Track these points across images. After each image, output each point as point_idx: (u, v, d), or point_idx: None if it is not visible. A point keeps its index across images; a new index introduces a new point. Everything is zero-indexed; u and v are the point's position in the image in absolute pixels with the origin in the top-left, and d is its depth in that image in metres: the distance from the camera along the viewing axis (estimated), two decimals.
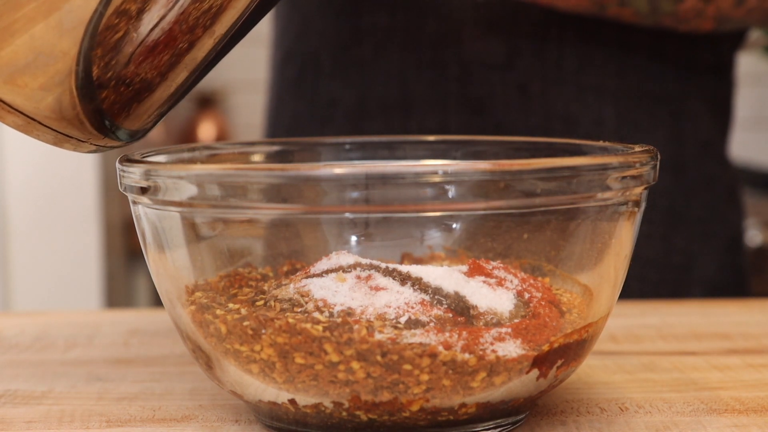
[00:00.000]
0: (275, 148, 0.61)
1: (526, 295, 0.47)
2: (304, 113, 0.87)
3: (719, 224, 0.86)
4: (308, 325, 0.44)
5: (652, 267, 0.83)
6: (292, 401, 0.46)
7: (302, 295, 0.46)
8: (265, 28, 2.47)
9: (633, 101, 0.82)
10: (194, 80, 0.47)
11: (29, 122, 0.44)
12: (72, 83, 0.43)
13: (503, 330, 0.45)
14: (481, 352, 0.44)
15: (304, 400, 0.46)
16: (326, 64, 0.85)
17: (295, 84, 0.87)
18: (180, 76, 0.46)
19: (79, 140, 0.46)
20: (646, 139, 0.80)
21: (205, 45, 0.45)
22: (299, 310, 0.46)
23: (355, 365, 0.44)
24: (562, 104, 0.81)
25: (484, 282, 0.47)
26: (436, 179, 0.42)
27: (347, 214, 0.45)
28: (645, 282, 0.83)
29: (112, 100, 0.45)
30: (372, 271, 0.47)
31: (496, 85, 0.81)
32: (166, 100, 0.47)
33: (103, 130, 0.46)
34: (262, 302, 0.47)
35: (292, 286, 0.47)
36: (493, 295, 0.47)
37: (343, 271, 0.48)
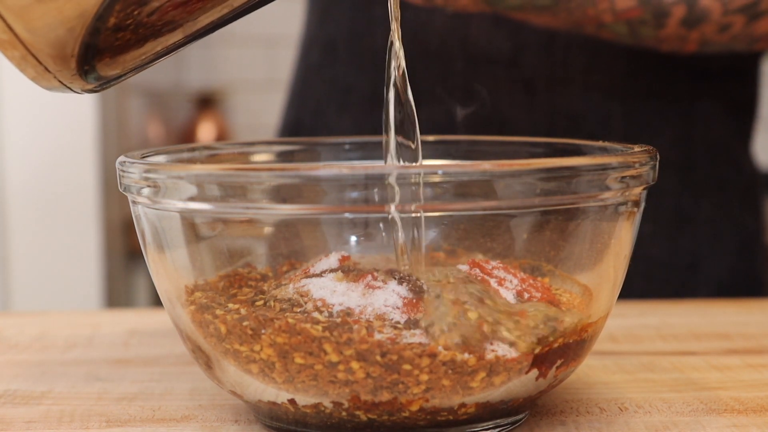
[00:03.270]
0: (275, 148, 0.61)
1: (526, 295, 0.47)
2: (325, 98, 0.88)
3: (730, 226, 0.85)
4: (308, 325, 0.44)
5: (657, 266, 0.83)
6: (292, 401, 0.46)
7: (301, 295, 0.46)
8: (265, 29, 2.44)
9: (641, 101, 0.82)
10: (188, 42, 0.47)
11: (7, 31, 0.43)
12: (88, 21, 0.42)
13: None
14: (480, 352, 0.44)
15: (304, 400, 0.46)
16: (342, 51, 0.87)
17: (317, 69, 0.90)
18: (196, 25, 0.46)
19: (47, 70, 0.45)
20: (653, 139, 0.79)
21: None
22: (299, 310, 0.46)
23: (354, 365, 0.44)
24: (567, 102, 0.81)
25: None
26: (436, 179, 0.42)
27: (347, 214, 0.45)
28: (649, 281, 0.82)
29: (106, 43, 0.44)
30: (371, 271, 0.47)
31: (501, 80, 0.81)
32: (155, 54, 0.47)
33: (81, 69, 0.45)
34: (261, 302, 0.47)
35: (291, 286, 0.47)
36: None
37: (342, 271, 0.48)
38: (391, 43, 0.51)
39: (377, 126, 0.66)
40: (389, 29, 0.82)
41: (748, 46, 0.76)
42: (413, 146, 0.52)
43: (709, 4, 0.70)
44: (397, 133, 0.51)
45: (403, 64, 0.51)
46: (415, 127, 0.51)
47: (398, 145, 0.51)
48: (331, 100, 0.88)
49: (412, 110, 0.51)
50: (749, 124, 0.89)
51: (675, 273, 0.83)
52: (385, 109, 0.51)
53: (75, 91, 0.47)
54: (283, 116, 0.95)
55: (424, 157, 0.60)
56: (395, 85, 0.51)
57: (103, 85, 0.47)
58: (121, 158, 0.49)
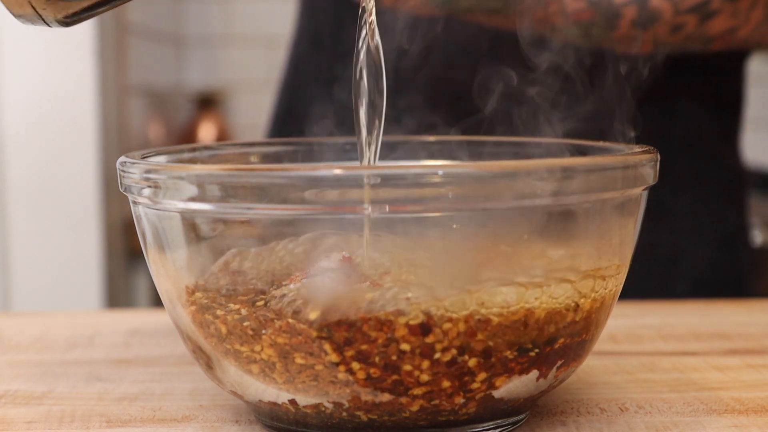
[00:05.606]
0: (275, 148, 0.61)
1: None
2: (313, 88, 0.89)
3: (711, 221, 0.86)
4: (308, 326, 0.44)
5: (635, 260, 0.83)
6: (293, 401, 0.46)
7: None
8: (265, 29, 2.44)
9: None
10: None
11: None
12: None
13: None
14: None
15: (305, 400, 0.46)
16: (328, 42, 0.87)
17: (306, 60, 0.90)
18: None
19: None
20: (629, 137, 0.80)
21: None
22: None
23: (355, 366, 0.44)
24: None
25: None
26: (436, 180, 0.42)
27: (347, 215, 0.45)
28: (628, 275, 0.82)
29: None
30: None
31: (479, 73, 0.81)
32: None
33: None
34: (262, 302, 0.47)
35: (292, 286, 0.47)
36: None
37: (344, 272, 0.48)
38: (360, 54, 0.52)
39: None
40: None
41: (704, 47, 0.76)
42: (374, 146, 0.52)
43: (659, 5, 0.70)
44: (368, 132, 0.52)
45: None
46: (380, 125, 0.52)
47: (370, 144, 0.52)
48: (318, 91, 0.89)
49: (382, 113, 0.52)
50: (733, 121, 0.89)
51: (653, 267, 0.83)
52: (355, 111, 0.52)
53: (46, 22, 0.46)
54: (274, 106, 0.97)
55: (423, 157, 0.61)
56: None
57: (73, 17, 0.47)
58: (122, 158, 0.49)
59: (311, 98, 0.90)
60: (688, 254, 0.84)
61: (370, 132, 0.53)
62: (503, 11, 0.69)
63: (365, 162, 0.53)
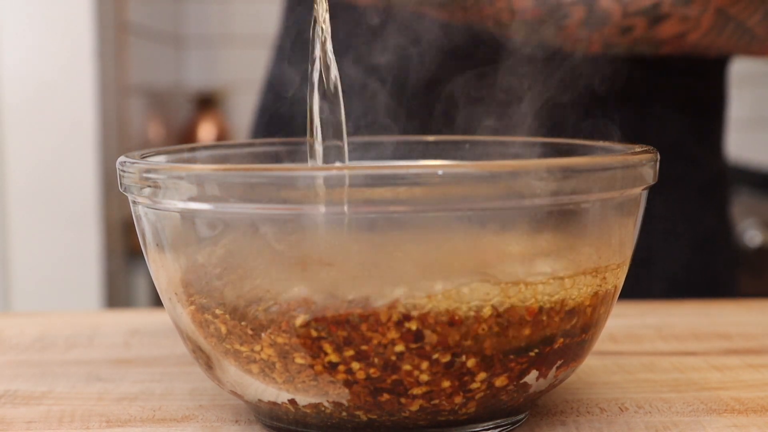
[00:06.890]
0: (275, 148, 0.61)
1: None
2: (298, 88, 0.89)
3: (686, 224, 0.86)
4: (302, 326, 0.44)
5: None
6: (292, 401, 0.46)
7: None
8: (265, 29, 2.45)
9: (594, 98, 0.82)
10: None
11: None
12: None
13: None
14: None
15: (304, 400, 0.46)
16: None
17: (289, 57, 0.91)
18: None
19: None
20: (604, 138, 0.80)
21: None
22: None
23: (354, 366, 0.44)
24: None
25: None
26: (436, 180, 0.42)
27: (347, 214, 0.45)
28: None
29: None
30: None
31: (453, 71, 0.81)
32: None
33: None
34: (258, 302, 0.47)
35: (287, 285, 0.47)
36: None
37: None
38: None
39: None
40: (349, 18, 0.82)
41: (654, 50, 0.76)
42: (340, 144, 0.52)
43: (608, 6, 0.70)
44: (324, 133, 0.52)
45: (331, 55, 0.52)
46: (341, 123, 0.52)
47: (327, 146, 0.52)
48: (302, 90, 0.89)
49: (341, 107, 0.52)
50: (714, 124, 0.88)
51: (628, 268, 0.84)
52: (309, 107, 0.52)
53: None
54: (258, 105, 0.97)
55: (422, 158, 0.61)
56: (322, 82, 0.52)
57: None
58: (122, 158, 0.49)
59: (295, 97, 0.90)
60: (661, 257, 0.84)
61: (326, 138, 0.53)
62: (447, 6, 0.68)
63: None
